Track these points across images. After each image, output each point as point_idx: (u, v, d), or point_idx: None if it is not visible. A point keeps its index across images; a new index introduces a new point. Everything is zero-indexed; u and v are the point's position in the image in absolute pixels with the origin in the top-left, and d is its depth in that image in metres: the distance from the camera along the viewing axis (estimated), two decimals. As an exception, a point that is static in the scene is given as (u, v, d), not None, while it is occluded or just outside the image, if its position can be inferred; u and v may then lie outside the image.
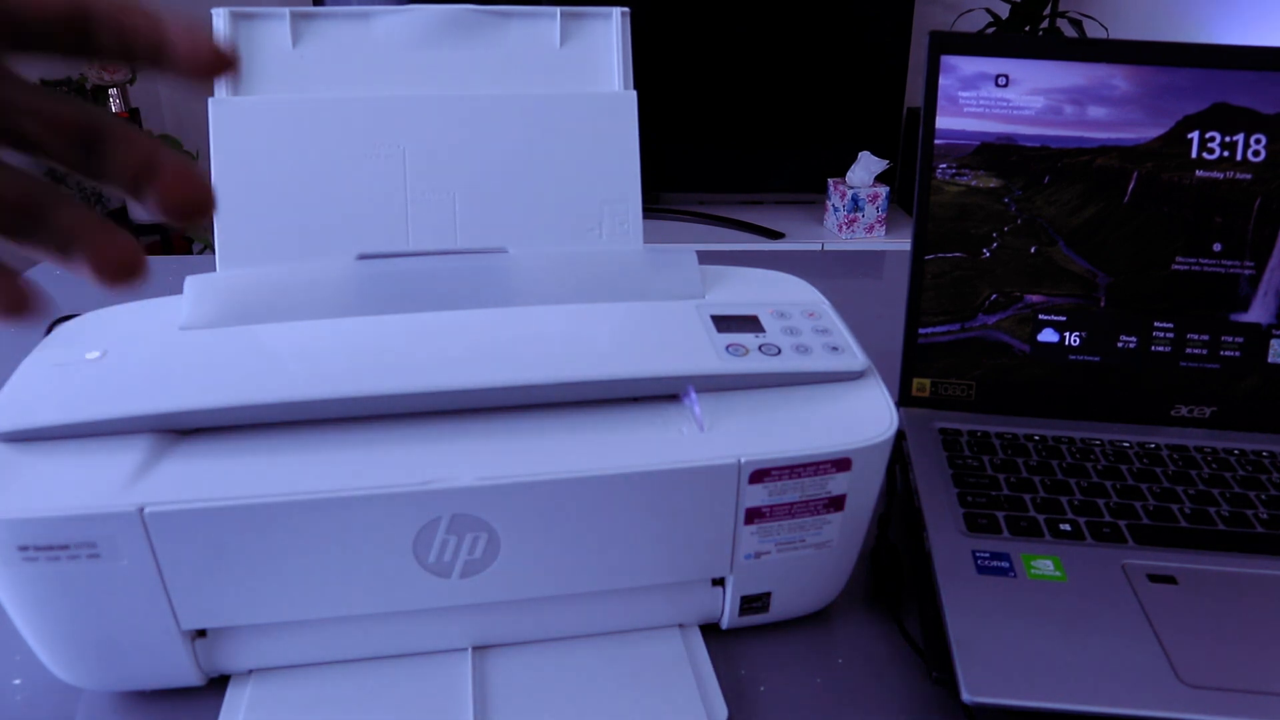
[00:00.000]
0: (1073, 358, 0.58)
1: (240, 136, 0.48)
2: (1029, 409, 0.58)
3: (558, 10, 0.51)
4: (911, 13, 2.17)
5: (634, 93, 0.51)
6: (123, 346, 0.41)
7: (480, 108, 0.50)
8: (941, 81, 0.56)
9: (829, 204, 2.20)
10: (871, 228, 2.17)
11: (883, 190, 2.13)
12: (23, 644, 0.42)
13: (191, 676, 0.40)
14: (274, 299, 0.44)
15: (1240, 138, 0.55)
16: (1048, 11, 2.22)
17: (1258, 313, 0.56)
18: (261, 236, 0.47)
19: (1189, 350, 0.57)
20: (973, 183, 0.57)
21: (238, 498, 0.35)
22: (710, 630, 0.44)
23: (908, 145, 2.27)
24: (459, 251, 0.49)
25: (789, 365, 0.42)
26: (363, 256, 0.48)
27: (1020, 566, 0.44)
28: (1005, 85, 0.56)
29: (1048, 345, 0.58)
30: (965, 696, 0.37)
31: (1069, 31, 2.18)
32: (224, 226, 0.47)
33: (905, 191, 2.33)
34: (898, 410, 0.46)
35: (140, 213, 2.07)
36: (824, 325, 0.45)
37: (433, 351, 0.40)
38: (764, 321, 0.45)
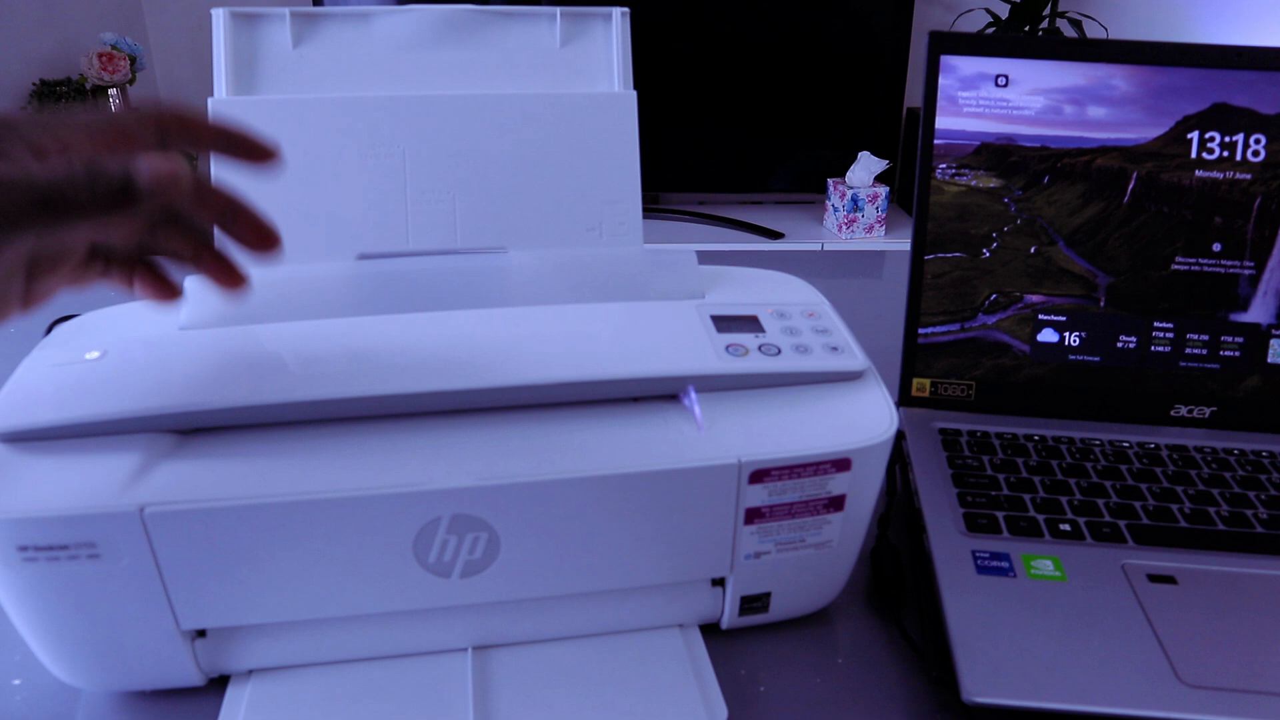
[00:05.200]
0: (1073, 358, 0.58)
1: (240, 136, 0.47)
2: (1029, 409, 0.58)
3: (558, 10, 0.51)
4: (911, 13, 2.17)
5: (634, 93, 0.51)
6: (123, 346, 0.41)
7: (480, 108, 0.50)
8: (941, 81, 0.56)
9: (829, 204, 2.20)
10: (871, 228, 2.17)
11: (883, 190, 2.13)
12: (23, 644, 0.42)
13: (191, 676, 0.40)
14: (274, 299, 0.44)
15: (1240, 138, 0.55)
16: (1048, 11, 2.22)
17: (1257, 313, 0.56)
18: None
19: (1189, 350, 0.57)
20: (973, 183, 0.57)
21: (238, 498, 0.35)
22: (710, 630, 0.44)
23: (908, 145, 2.27)
24: (459, 251, 0.49)
25: (789, 365, 0.42)
26: (363, 257, 0.48)
27: (1020, 566, 0.44)
28: (1005, 85, 0.56)
29: (1048, 345, 0.58)
30: (965, 696, 0.37)
31: (1069, 31, 2.18)
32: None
33: (905, 191, 2.33)
34: (898, 410, 0.46)
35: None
36: (824, 325, 0.45)
37: (433, 352, 0.40)
38: (764, 321, 0.45)
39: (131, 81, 2.04)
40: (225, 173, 0.47)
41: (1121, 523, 0.47)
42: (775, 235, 2.15)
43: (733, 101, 2.22)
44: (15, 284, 0.32)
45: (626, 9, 0.52)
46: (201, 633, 0.39)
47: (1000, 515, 0.47)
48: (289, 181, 0.48)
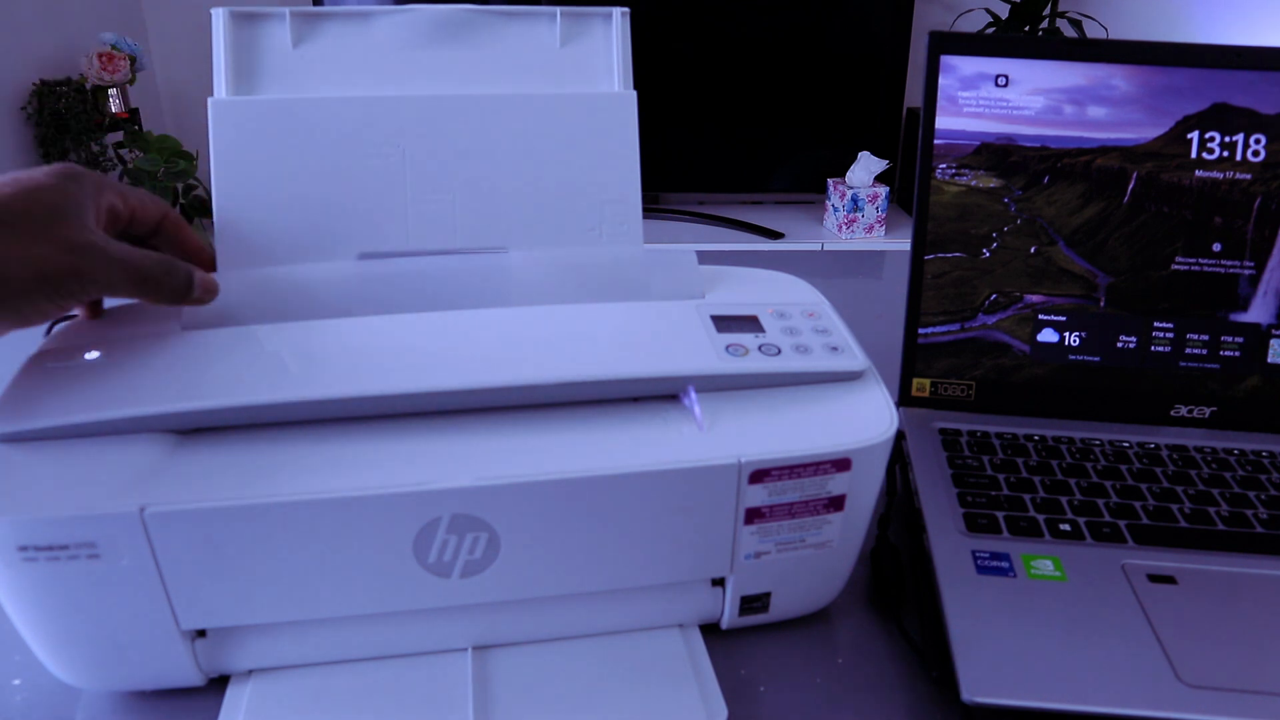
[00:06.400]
0: (1073, 358, 0.58)
1: (240, 136, 0.48)
2: (1029, 409, 0.58)
3: (558, 10, 0.51)
4: (911, 13, 2.17)
5: (634, 93, 0.51)
6: (123, 347, 0.41)
7: (480, 108, 0.50)
8: (941, 81, 0.56)
9: (829, 204, 2.20)
10: (871, 228, 2.17)
11: (883, 190, 2.13)
12: (23, 644, 0.42)
13: (191, 676, 0.40)
14: (274, 299, 0.44)
15: (1240, 138, 0.55)
16: (1048, 11, 2.22)
17: (1257, 313, 0.56)
18: (261, 237, 0.47)
19: (1189, 350, 0.57)
20: (973, 183, 0.57)
21: (238, 498, 0.35)
22: (710, 630, 0.44)
23: (908, 145, 2.27)
24: (459, 251, 0.49)
25: (789, 365, 0.42)
26: (363, 256, 0.48)
27: (1020, 566, 0.44)
28: (1005, 85, 0.56)
29: (1048, 345, 0.58)
30: (965, 696, 0.37)
31: (1069, 31, 2.18)
32: (223, 227, 0.47)
33: (905, 191, 2.33)
34: (898, 410, 0.46)
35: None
36: (824, 325, 0.45)
37: (433, 351, 0.40)
38: (764, 321, 0.45)
39: (131, 81, 2.04)
40: (225, 172, 0.48)
41: (1121, 523, 0.47)
42: (775, 235, 2.15)
43: (733, 101, 2.22)
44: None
45: (626, 9, 0.52)
46: (201, 633, 0.39)
47: (1000, 515, 0.47)
48: (288, 181, 0.48)
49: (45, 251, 0.36)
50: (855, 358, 0.43)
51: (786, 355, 0.43)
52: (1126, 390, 0.57)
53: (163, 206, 0.44)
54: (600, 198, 0.50)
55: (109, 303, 0.46)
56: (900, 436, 0.55)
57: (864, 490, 0.41)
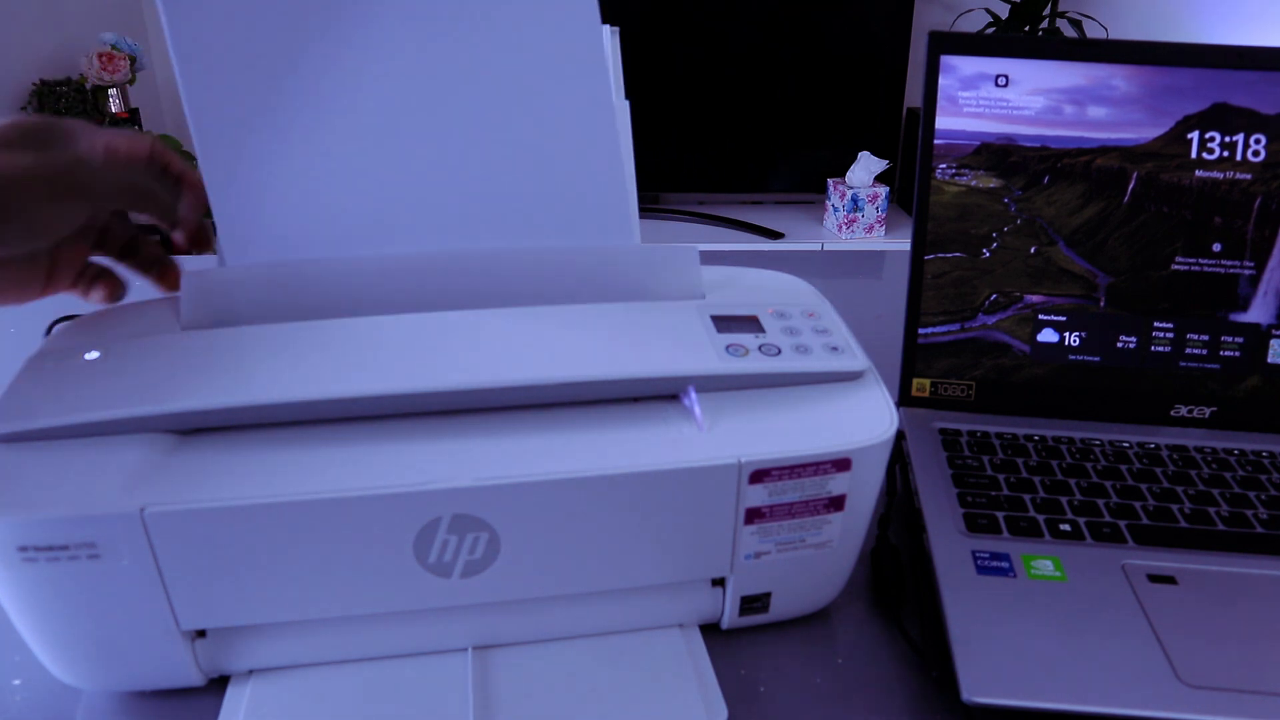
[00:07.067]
0: (1073, 358, 0.58)
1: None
2: (1029, 409, 0.58)
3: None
4: (911, 13, 2.17)
5: (626, 103, 0.51)
6: (123, 347, 0.41)
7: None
8: (941, 81, 0.56)
9: (829, 204, 2.20)
10: (871, 228, 2.17)
11: (882, 190, 2.13)
12: (23, 644, 0.42)
13: (191, 677, 0.40)
14: (274, 299, 0.44)
15: (1240, 138, 0.55)
16: (1048, 11, 2.23)
17: (1257, 313, 0.56)
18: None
19: (1189, 350, 0.57)
20: (973, 183, 0.57)
21: (238, 498, 0.35)
22: (710, 630, 0.44)
23: (908, 145, 2.27)
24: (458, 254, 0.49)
25: (789, 365, 0.42)
26: (363, 259, 0.48)
27: (1020, 566, 0.44)
28: (1005, 85, 0.56)
29: (1048, 345, 0.58)
30: (965, 696, 0.37)
31: (1069, 31, 2.19)
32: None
33: (905, 191, 2.33)
34: (898, 410, 0.46)
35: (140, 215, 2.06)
36: (824, 325, 0.45)
37: (433, 351, 0.40)
38: (764, 322, 0.45)
39: (131, 81, 2.04)
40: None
41: (1121, 523, 0.47)
42: (775, 235, 2.15)
43: (733, 102, 2.22)
44: (39, 271, 0.42)
45: (616, 28, 0.52)
46: (201, 633, 0.39)
47: (1000, 515, 0.47)
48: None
49: (41, 159, 0.39)
50: (855, 358, 0.43)
51: (787, 355, 0.43)
52: (1126, 390, 0.58)
53: (145, 142, 0.45)
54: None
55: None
56: (900, 436, 0.55)
57: (864, 490, 0.41)
